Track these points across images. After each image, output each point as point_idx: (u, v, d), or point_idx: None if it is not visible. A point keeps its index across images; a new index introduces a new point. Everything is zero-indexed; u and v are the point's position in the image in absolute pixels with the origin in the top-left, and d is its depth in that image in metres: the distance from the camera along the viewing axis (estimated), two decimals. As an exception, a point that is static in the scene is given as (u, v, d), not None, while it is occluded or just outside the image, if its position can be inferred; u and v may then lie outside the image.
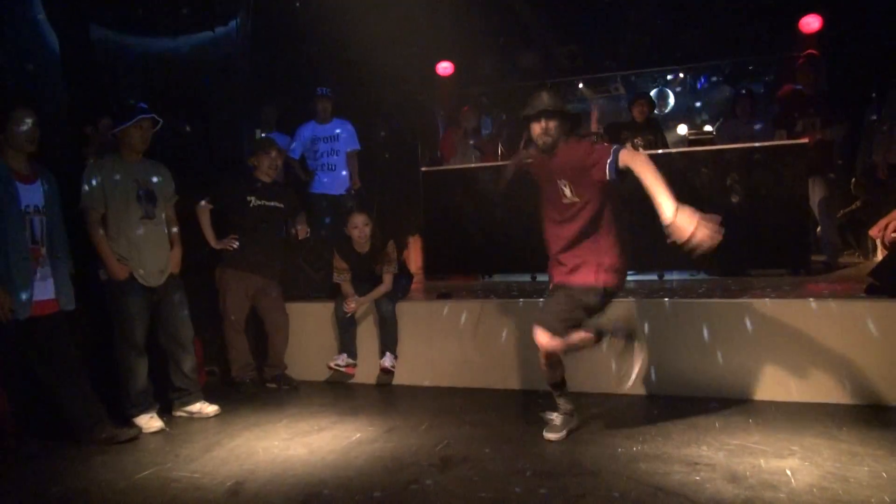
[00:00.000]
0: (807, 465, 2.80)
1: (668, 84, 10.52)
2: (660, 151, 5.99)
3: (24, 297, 3.30)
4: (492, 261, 6.21)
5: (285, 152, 5.60)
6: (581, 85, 9.92)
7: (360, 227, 4.60)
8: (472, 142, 6.81)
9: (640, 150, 5.94)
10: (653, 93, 9.82)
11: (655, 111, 8.07)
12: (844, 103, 6.04)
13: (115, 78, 5.50)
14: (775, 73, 8.87)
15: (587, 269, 3.14)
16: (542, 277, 5.98)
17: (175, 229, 4.04)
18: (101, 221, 3.72)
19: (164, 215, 3.95)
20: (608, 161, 2.97)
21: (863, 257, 6.65)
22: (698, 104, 10.97)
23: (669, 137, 7.97)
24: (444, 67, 8.56)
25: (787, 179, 5.29)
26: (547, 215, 3.33)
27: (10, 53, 4.92)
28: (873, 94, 6.83)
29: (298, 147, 6.11)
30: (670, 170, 5.53)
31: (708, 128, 8.49)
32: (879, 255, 5.53)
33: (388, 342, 4.64)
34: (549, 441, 3.27)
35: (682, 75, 10.26)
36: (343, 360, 4.67)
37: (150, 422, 3.76)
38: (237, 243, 4.51)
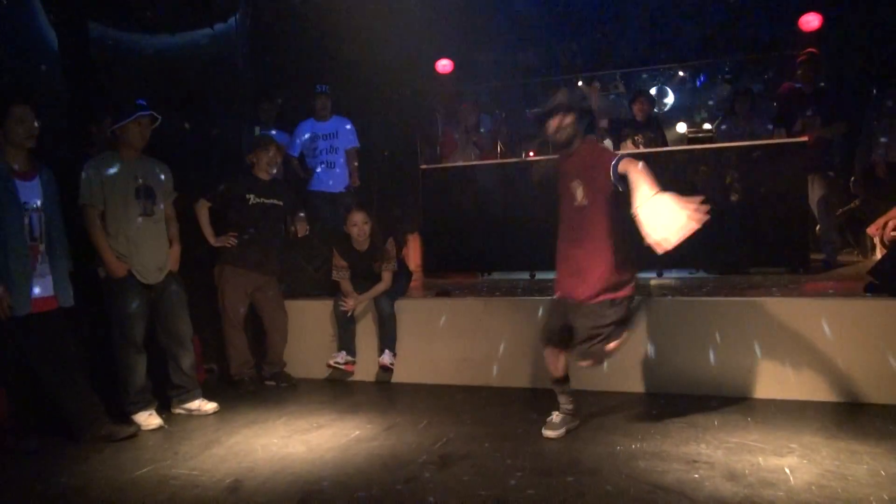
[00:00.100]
0: (805, 463, 2.80)
1: (667, 82, 10.51)
2: (660, 149, 6.00)
3: (22, 294, 3.30)
4: (491, 258, 6.21)
5: (284, 150, 5.59)
6: (580, 83, 9.92)
7: (359, 225, 4.60)
8: (473, 139, 6.80)
9: (641, 147, 5.95)
10: (652, 91, 9.82)
11: (655, 109, 8.07)
12: (844, 102, 6.04)
13: (113, 75, 5.48)
14: (775, 72, 8.87)
15: (601, 284, 3.10)
16: (540, 275, 5.99)
17: (174, 226, 4.04)
18: (100, 218, 3.71)
19: (162, 212, 3.95)
20: (612, 164, 2.99)
21: (862, 255, 6.65)
22: (697, 102, 10.96)
23: (669, 136, 7.97)
24: (444, 65, 8.55)
25: (786, 178, 5.29)
26: (560, 220, 3.31)
27: (9, 50, 4.91)
28: (873, 93, 6.82)
29: (297, 144, 6.11)
30: (670, 168, 5.57)
31: (707, 126, 8.50)
32: (878, 254, 5.53)
33: (387, 340, 4.64)
34: (548, 439, 3.27)
35: (681, 73, 10.25)
36: (342, 357, 4.67)
37: (148, 419, 3.76)
38: (236, 241, 4.50)
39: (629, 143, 6.17)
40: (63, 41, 5.20)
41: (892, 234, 3.42)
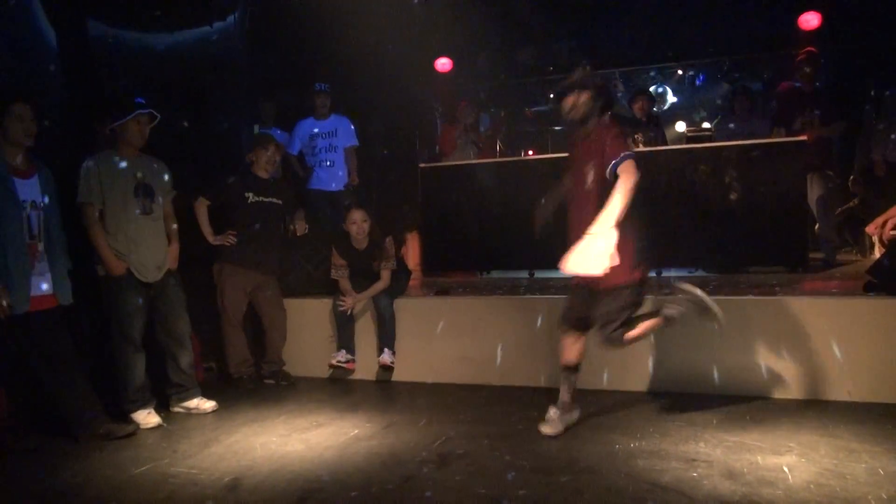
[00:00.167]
0: (804, 461, 2.80)
1: (666, 81, 10.51)
2: (660, 148, 6.00)
3: (21, 292, 3.29)
4: (489, 257, 6.21)
5: (283, 148, 5.59)
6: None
7: (358, 223, 4.60)
8: (471, 142, 6.80)
9: (641, 146, 5.95)
10: (651, 89, 9.82)
11: (655, 108, 8.08)
12: (843, 101, 6.05)
13: (112, 73, 5.48)
14: (774, 71, 8.88)
15: (612, 268, 3.10)
16: (539, 274, 5.99)
17: (173, 225, 4.03)
18: (99, 217, 3.71)
19: (161, 211, 3.94)
20: (614, 161, 3.00)
21: (860, 255, 6.65)
22: (697, 101, 10.97)
23: (668, 134, 7.98)
24: (443, 63, 8.55)
25: (785, 177, 5.29)
26: (571, 203, 3.30)
27: (8, 49, 4.90)
28: (872, 92, 6.83)
29: (297, 143, 6.11)
30: (669, 167, 5.58)
31: (706, 125, 8.49)
32: (877, 253, 5.54)
33: (387, 339, 4.64)
34: (546, 436, 3.26)
35: (680, 72, 10.26)
36: (343, 356, 4.66)
37: (147, 417, 3.75)
38: (235, 239, 4.50)
39: (629, 141, 6.17)
40: (62, 39, 5.19)
41: (891, 232, 3.43)
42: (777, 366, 3.80)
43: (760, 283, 4.78)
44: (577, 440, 3.21)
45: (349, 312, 4.66)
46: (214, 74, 6.10)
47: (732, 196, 5.37)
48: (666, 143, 6.72)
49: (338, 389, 4.55)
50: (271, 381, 4.70)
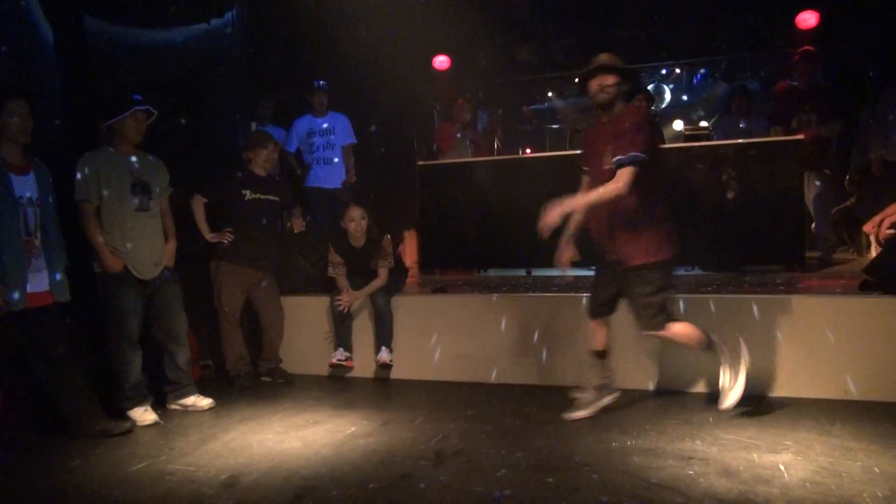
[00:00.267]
0: (800, 459, 2.81)
1: (664, 80, 10.52)
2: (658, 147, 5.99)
3: (17, 289, 3.28)
4: (487, 255, 6.22)
5: (281, 145, 5.58)
6: (577, 80, 9.90)
7: (356, 221, 4.59)
8: (468, 140, 6.79)
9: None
10: (649, 88, 9.83)
11: (653, 107, 8.08)
12: (840, 100, 6.05)
13: (109, 70, 5.46)
14: (771, 70, 8.89)
15: (633, 245, 3.15)
16: (536, 272, 5.99)
17: (170, 222, 4.03)
18: (96, 214, 3.70)
19: (158, 208, 3.93)
20: (621, 157, 3.03)
21: (857, 254, 6.67)
22: (694, 100, 10.98)
23: (665, 133, 7.99)
24: (441, 61, 8.54)
25: (782, 175, 5.30)
26: (591, 184, 3.30)
27: (3, 44, 4.88)
28: (869, 91, 6.84)
29: (294, 140, 6.10)
30: (666, 165, 5.57)
31: (704, 124, 8.50)
32: (874, 252, 5.55)
33: (384, 336, 4.64)
34: (572, 419, 3.38)
35: (678, 71, 10.27)
36: (342, 354, 4.66)
37: (144, 415, 3.75)
38: (232, 236, 4.49)
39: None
40: (58, 36, 5.17)
41: (888, 231, 3.44)
42: (773, 364, 3.81)
43: (757, 281, 4.78)
44: (574, 438, 3.22)
45: (346, 310, 4.66)
46: (212, 71, 6.08)
47: (729, 195, 5.38)
48: (664, 142, 6.72)
49: (335, 387, 4.55)
50: (268, 379, 4.69)
